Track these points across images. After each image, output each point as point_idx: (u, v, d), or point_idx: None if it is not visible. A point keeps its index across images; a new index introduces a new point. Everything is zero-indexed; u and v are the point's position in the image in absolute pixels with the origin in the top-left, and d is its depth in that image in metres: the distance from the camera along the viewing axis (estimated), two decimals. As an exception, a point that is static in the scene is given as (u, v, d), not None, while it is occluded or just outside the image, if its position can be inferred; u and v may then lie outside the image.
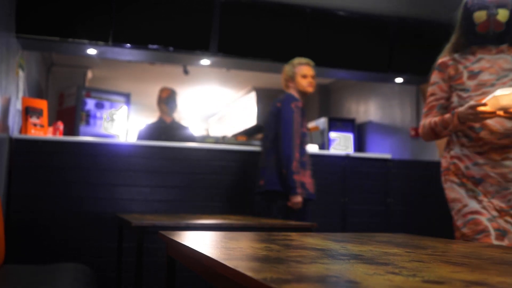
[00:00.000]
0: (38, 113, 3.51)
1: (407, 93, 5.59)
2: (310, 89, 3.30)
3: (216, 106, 9.43)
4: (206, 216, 2.97)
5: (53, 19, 3.77)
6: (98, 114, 5.54)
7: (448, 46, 2.33)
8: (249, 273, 0.75)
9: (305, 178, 3.13)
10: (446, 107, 2.27)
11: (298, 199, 3.02)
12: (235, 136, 7.06)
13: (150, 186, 3.51)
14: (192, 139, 4.43)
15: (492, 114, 1.98)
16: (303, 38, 4.31)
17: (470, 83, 2.17)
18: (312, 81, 3.30)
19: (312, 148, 4.33)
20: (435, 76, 2.29)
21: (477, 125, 2.12)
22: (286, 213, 3.11)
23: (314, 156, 3.97)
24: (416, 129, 5.25)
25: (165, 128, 4.38)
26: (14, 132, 3.52)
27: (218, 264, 0.90)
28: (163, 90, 4.50)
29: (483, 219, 2.07)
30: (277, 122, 3.17)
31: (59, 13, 3.78)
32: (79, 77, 6.62)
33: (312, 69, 3.33)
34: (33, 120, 3.47)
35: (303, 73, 3.28)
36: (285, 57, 4.33)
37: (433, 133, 2.25)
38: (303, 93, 3.30)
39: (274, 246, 1.18)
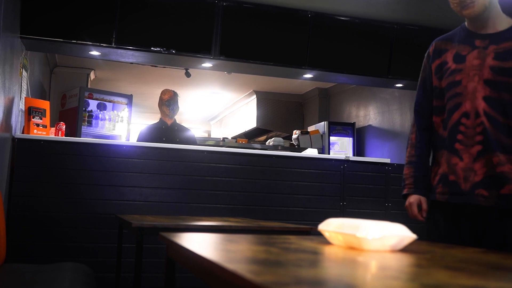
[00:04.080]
0: (41, 113, 3.52)
1: (407, 98, 5.60)
2: (464, 12, 1.85)
3: (217, 108, 9.44)
4: (206, 218, 2.98)
5: (57, 21, 3.78)
6: (100, 115, 5.55)
7: None
8: (248, 276, 0.76)
9: (444, 166, 1.91)
10: None
11: (407, 201, 2.06)
12: (236, 138, 7.09)
13: (150, 187, 3.52)
14: (193, 141, 4.44)
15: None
16: (304, 43, 4.33)
17: None
18: None
19: (311, 152, 4.34)
20: None
21: None
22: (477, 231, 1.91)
23: (313, 159, 3.98)
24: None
25: (166, 130, 4.39)
26: (17, 132, 3.53)
27: (217, 267, 0.90)
28: (165, 92, 4.51)
29: None
30: None
31: (63, 15, 3.79)
32: (82, 78, 6.64)
33: None
34: (36, 120, 3.48)
35: None
36: (286, 61, 4.36)
37: None
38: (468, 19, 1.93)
39: (273, 249, 1.19)
